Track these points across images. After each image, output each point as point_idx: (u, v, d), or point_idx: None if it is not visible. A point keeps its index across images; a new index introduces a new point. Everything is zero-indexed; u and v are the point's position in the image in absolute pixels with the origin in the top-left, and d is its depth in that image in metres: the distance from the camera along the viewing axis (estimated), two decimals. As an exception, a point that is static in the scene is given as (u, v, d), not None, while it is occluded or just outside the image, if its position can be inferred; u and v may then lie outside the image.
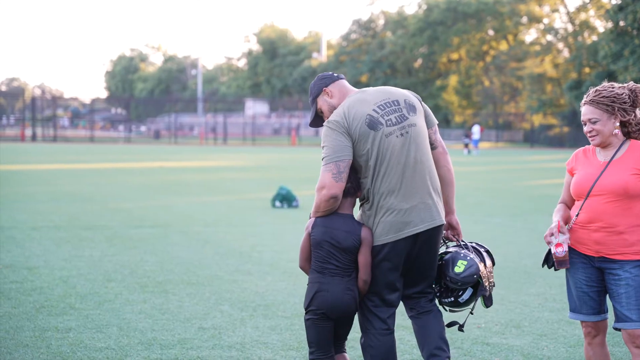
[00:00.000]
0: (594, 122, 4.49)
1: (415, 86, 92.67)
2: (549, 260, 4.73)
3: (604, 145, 4.53)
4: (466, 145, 55.53)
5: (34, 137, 68.71)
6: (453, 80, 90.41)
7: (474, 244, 4.91)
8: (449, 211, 4.87)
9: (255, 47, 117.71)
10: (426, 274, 4.74)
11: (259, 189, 21.79)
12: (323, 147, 4.56)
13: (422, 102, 4.82)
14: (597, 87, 4.56)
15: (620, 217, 4.42)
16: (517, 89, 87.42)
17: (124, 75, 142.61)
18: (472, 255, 4.72)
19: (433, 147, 4.78)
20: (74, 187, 21.04)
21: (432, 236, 4.63)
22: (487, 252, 4.88)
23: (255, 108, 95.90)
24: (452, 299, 4.73)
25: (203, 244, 11.27)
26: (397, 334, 6.53)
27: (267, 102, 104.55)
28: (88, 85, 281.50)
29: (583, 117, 4.52)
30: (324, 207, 4.53)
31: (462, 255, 4.72)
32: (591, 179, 4.50)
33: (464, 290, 4.70)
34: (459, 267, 4.66)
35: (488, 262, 4.80)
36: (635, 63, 58.90)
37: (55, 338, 6.25)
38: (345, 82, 4.82)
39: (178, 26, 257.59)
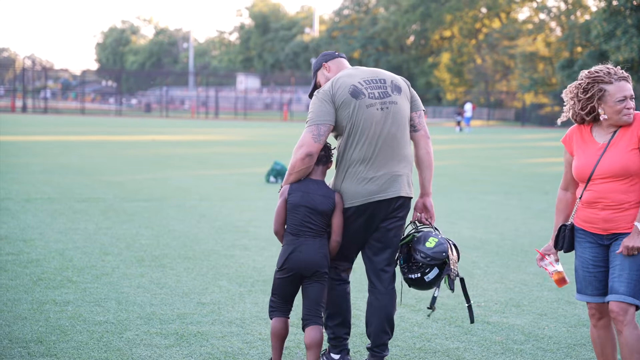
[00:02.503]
0: (633, 99, 4.40)
1: (407, 63, 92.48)
2: (558, 243, 4.69)
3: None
4: (458, 123, 55.47)
5: (24, 108, 68.31)
6: (445, 57, 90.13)
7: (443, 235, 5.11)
8: (424, 193, 5.09)
9: (248, 21, 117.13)
10: (387, 243, 4.98)
11: (253, 163, 21.73)
12: (309, 112, 4.91)
13: (411, 88, 5.08)
14: (614, 67, 4.46)
15: (625, 195, 4.38)
16: (509, 68, 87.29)
17: (115, 48, 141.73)
18: (443, 237, 4.97)
19: (415, 129, 5.03)
20: (66, 159, 20.93)
21: (395, 207, 4.91)
22: (455, 245, 5.05)
23: (247, 82, 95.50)
24: (419, 275, 4.91)
25: (199, 219, 11.22)
26: (398, 312, 6.50)
27: (259, 77, 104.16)
28: (78, 57, 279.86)
29: (624, 93, 4.37)
30: (299, 165, 4.81)
31: (434, 234, 4.98)
32: (590, 164, 4.46)
33: (431, 269, 4.88)
34: (430, 243, 4.89)
35: (454, 252, 4.98)
36: (628, 43, 58.88)
37: (53, 311, 6.20)
38: (343, 60, 5.22)
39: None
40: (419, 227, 5.12)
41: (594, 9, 76.02)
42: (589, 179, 4.47)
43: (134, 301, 6.59)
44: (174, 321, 6.06)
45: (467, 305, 5.02)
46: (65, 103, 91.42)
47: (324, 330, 5.01)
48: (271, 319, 5.00)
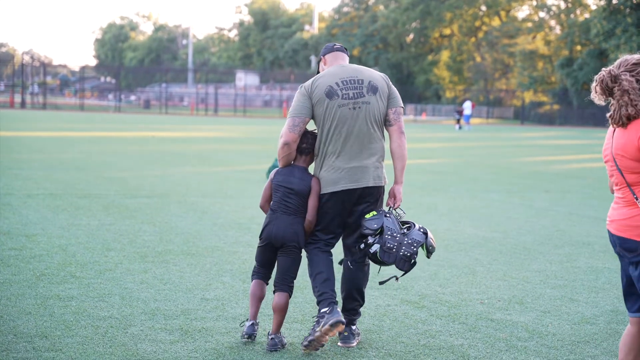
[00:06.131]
0: None
1: (407, 61, 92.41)
2: None
3: None
4: (458, 121, 55.48)
5: (23, 104, 68.26)
6: (445, 55, 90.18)
7: (404, 219, 5.63)
8: (395, 181, 5.62)
9: (247, 18, 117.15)
10: (358, 225, 5.53)
11: (254, 160, 21.73)
12: (292, 104, 5.54)
13: (391, 86, 5.60)
14: None
15: None
16: (509, 66, 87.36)
17: (114, 44, 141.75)
18: (387, 216, 5.47)
19: (390, 124, 5.55)
20: (67, 155, 20.91)
21: (365, 194, 5.47)
22: (425, 232, 5.50)
23: (246, 79, 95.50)
24: (363, 245, 5.45)
25: (201, 215, 11.22)
26: (402, 309, 6.55)
27: (258, 74, 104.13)
28: (77, 53, 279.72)
29: None
30: (281, 152, 5.50)
31: (378, 210, 5.52)
32: None
33: (373, 242, 5.39)
34: (368, 215, 5.46)
35: (415, 236, 5.42)
36: (627, 41, 58.93)
37: (57, 306, 6.19)
38: (338, 53, 5.73)
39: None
40: (383, 209, 5.60)
41: (593, 7, 76.07)
42: None
43: (137, 297, 6.59)
44: (178, 317, 6.06)
45: (394, 277, 5.72)
46: (64, 99, 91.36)
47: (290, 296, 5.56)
48: (251, 281, 5.68)
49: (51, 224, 9.92)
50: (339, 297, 6.00)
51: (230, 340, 5.55)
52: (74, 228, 9.69)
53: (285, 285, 5.52)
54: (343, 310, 5.64)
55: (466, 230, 10.65)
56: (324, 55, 5.75)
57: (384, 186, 5.59)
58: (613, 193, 4.45)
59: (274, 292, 5.54)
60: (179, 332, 5.69)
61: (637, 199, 4.17)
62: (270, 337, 5.42)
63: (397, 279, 5.73)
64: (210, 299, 6.65)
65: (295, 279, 5.58)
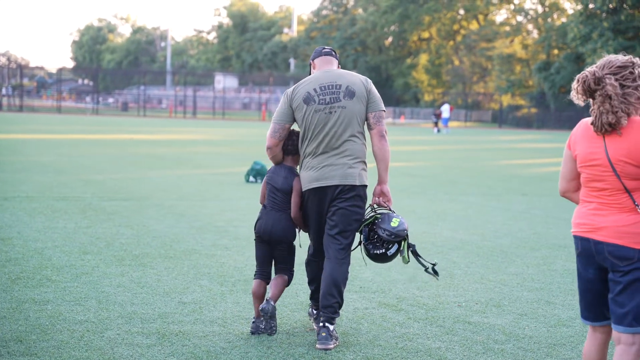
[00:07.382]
0: None
1: (386, 64, 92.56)
2: None
3: None
4: (435, 124, 55.63)
5: (-1, 106, 67.76)
6: (423, 58, 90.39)
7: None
8: (380, 181, 5.89)
9: (226, 20, 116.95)
10: (337, 220, 5.72)
11: (232, 163, 21.67)
12: (276, 109, 5.91)
13: (371, 90, 5.78)
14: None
15: None
16: (487, 69, 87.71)
17: (92, 46, 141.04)
18: (402, 217, 5.84)
19: (370, 128, 5.80)
20: (44, 157, 20.77)
21: (338, 192, 5.70)
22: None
23: (225, 82, 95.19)
24: (383, 250, 5.75)
25: (178, 218, 11.17)
26: (379, 312, 6.56)
27: (237, 77, 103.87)
28: (54, 55, 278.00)
29: None
30: (268, 155, 5.96)
31: (395, 215, 5.82)
32: None
33: (392, 245, 5.72)
34: (394, 223, 5.74)
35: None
36: (604, 45, 59.36)
37: (33, 310, 6.14)
38: (326, 57, 5.94)
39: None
40: (377, 210, 5.90)
41: (570, 11, 76.59)
42: None
43: (114, 300, 6.55)
44: (155, 320, 6.03)
45: (424, 270, 5.83)
46: (40, 101, 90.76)
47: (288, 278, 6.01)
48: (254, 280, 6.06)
49: (27, 227, 9.84)
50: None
51: (208, 344, 5.52)
52: (50, 231, 9.62)
53: (284, 271, 5.97)
54: (321, 308, 5.65)
55: (444, 233, 10.68)
56: (313, 60, 5.98)
57: (360, 186, 5.74)
58: (565, 195, 4.31)
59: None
60: (156, 335, 5.66)
61: (638, 206, 3.96)
62: (265, 299, 5.81)
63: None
64: (188, 302, 6.62)
65: (293, 266, 5.99)
